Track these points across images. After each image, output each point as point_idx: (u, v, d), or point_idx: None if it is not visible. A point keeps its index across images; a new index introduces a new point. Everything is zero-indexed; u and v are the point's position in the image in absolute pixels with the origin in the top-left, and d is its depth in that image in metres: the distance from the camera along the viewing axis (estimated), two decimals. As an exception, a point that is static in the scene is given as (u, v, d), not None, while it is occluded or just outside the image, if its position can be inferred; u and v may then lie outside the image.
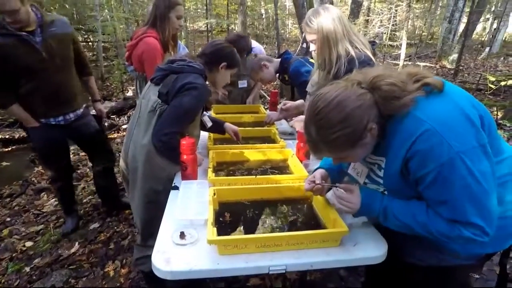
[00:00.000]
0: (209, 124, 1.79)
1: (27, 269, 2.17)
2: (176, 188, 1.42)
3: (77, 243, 2.38)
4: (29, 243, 2.45)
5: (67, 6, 10.91)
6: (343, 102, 0.83)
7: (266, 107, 5.13)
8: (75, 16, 11.98)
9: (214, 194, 1.25)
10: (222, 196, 1.29)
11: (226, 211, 1.24)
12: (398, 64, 6.78)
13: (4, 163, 4.09)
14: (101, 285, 1.99)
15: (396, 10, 7.02)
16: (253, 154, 1.72)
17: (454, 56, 9.20)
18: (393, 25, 7.29)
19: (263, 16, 15.02)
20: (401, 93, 0.85)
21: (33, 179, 3.51)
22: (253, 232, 1.12)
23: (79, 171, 3.62)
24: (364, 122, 0.83)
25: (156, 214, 1.32)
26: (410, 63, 8.31)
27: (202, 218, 1.15)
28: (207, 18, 8.58)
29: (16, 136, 4.54)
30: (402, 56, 6.55)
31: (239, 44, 2.32)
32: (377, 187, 1.02)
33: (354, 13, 6.76)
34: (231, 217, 1.21)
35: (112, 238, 2.42)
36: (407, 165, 0.87)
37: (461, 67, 8.42)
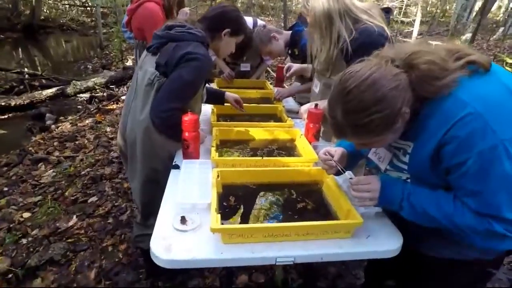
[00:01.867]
0: (204, 97, 1.64)
1: (25, 240, 2.14)
2: (177, 167, 1.33)
3: (75, 216, 2.34)
4: (26, 214, 2.41)
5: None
6: (378, 82, 0.72)
7: (271, 82, 4.95)
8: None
9: (218, 176, 1.17)
10: (226, 178, 1.20)
11: (230, 194, 1.16)
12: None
13: (1, 131, 4.00)
14: (99, 259, 1.97)
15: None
16: (259, 132, 1.61)
17: (468, 35, 8.80)
18: (408, -1, 6.89)
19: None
20: (442, 72, 0.74)
21: (30, 148, 3.43)
22: (257, 219, 1.05)
23: (77, 142, 3.53)
24: (398, 105, 0.73)
25: (156, 194, 1.25)
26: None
27: (205, 202, 1.08)
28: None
29: (13, 103, 4.42)
30: (415, 34, 6.24)
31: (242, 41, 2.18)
32: (399, 174, 0.94)
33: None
34: (236, 201, 1.13)
35: (110, 213, 2.38)
36: (439, 151, 0.78)
37: (474, 47, 8.09)
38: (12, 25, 9.97)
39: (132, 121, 1.43)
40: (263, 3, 13.67)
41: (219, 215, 0.95)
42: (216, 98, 1.77)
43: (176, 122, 1.30)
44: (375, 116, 0.73)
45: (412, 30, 6.28)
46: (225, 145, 1.54)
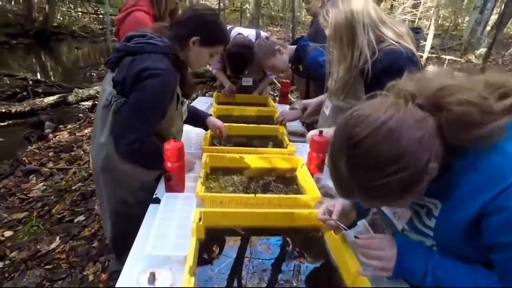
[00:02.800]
0: (185, 115, 1.42)
1: (1, 264, 1.98)
2: (157, 201, 1.15)
3: (58, 237, 2.18)
4: (8, 233, 2.26)
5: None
6: (397, 131, 0.55)
7: (276, 94, 4.79)
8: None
9: (200, 219, 0.98)
10: (211, 220, 1.02)
11: (214, 241, 0.98)
12: (421, 57, 6.27)
13: (-2, 139, 3.90)
14: (77, 291, 1.79)
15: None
16: (255, 160, 1.43)
17: (482, 50, 8.55)
18: (421, 12, 6.69)
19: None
20: (483, 116, 0.56)
21: (24, 158, 3.31)
22: (246, 275, 0.86)
23: (73, 153, 3.41)
24: (423, 162, 0.56)
25: (128, 229, 1.08)
26: (434, 55, 7.73)
27: (181, 254, 0.89)
28: (220, -5, 8.07)
29: (13, 110, 4.34)
30: (427, 48, 6.03)
31: (243, 56, 2.03)
32: (420, 238, 0.73)
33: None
34: (220, 252, 0.94)
35: (96, 235, 2.21)
36: (480, 222, 0.58)
37: (488, 63, 7.82)
38: (25, 31, 10.12)
39: (95, 145, 1.26)
40: (272, 13, 13.65)
41: (193, 278, 0.76)
42: (196, 121, 1.54)
43: (148, 150, 1.14)
44: (392, 177, 0.55)
45: (425, 44, 6.08)
46: (215, 173, 1.36)
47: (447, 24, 13.41)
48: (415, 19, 7.03)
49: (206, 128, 1.57)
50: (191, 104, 1.76)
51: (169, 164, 1.13)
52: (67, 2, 12.56)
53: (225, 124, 1.76)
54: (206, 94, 5.12)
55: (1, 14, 10.54)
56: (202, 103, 2.31)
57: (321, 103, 1.68)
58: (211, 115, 1.61)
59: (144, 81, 1.10)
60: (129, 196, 1.25)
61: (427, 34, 6.35)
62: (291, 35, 5.96)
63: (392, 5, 8.00)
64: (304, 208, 1.12)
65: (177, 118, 1.32)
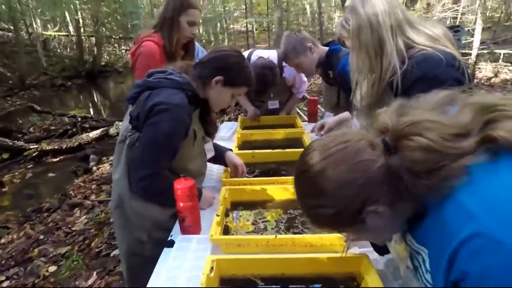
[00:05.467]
0: (210, 154, 1.35)
1: (44, 301, 2.04)
2: (171, 244, 1.06)
3: (95, 272, 2.21)
4: (52, 268, 2.35)
5: (119, 17, 11.62)
6: (326, 171, 0.57)
7: (304, 110, 4.61)
8: (128, 26, 12.74)
9: (212, 268, 0.86)
10: (225, 269, 0.89)
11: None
12: (470, 54, 5.67)
13: (50, 174, 4.24)
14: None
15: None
16: (279, 191, 1.29)
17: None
18: (463, 7, 6.13)
19: (307, 11, 14.23)
20: (440, 161, 0.51)
21: (71, 192, 3.52)
22: None
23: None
24: (356, 205, 0.56)
25: (143, 272, 1.02)
26: (486, 51, 6.98)
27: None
28: (246, 17, 8.27)
29: (64, 146, 4.72)
30: (476, 44, 5.42)
31: (264, 77, 1.87)
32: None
33: (412, -1, 5.80)
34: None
35: (130, 270, 2.20)
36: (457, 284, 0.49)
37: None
38: (77, 72, 11.27)
39: (112, 182, 1.25)
40: (301, 28, 13.62)
41: None
42: (215, 157, 1.41)
43: (159, 189, 1.11)
44: (319, 210, 0.59)
45: (472, 41, 5.50)
46: (236, 208, 1.25)
47: (497, 15, 12.22)
48: (457, 15, 6.46)
49: (226, 165, 1.46)
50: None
51: (181, 204, 1.04)
52: (112, 42, 13.82)
53: (248, 151, 1.67)
54: (232, 119, 5.12)
55: (59, 61, 11.89)
56: (227, 128, 2.24)
57: (341, 122, 1.50)
58: (231, 149, 1.50)
59: (155, 116, 1.07)
60: (142, 235, 1.20)
61: (473, 30, 5.77)
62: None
63: (428, 4, 7.49)
64: (334, 250, 0.95)
65: (195, 156, 1.26)
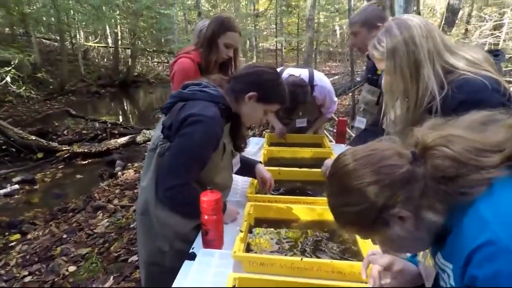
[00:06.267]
0: (236, 167, 1.36)
1: (61, 300, 2.07)
2: (193, 257, 1.05)
3: (112, 277, 2.22)
4: (72, 268, 2.39)
5: (154, 32, 12.26)
6: (354, 172, 0.61)
7: (334, 130, 4.55)
8: (162, 40, 13.41)
9: (234, 286, 0.83)
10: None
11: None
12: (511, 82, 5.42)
13: (78, 176, 4.41)
14: None
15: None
16: (305, 211, 1.25)
17: None
18: (506, 33, 5.89)
19: (337, 32, 14.35)
20: (462, 170, 0.55)
21: (95, 195, 3.62)
22: None
23: (135, 191, 3.62)
24: (379, 204, 0.58)
25: (162, 280, 1.06)
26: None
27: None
28: (276, 36, 8.45)
29: (93, 150, 4.92)
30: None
31: (295, 95, 1.84)
32: None
33: (449, 23, 5.68)
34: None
35: (146, 278, 2.19)
36: None
37: None
38: (111, 81, 11.91)
39: (140, 187, 1.27)
40: (331, 49, 13.72)
41: None
42: (245, 169, 1.43)
43: (185, 199, 1.11)
44: (346, 208, 0.62)
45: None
46: (260, 225, 1.22)
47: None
48: (498, 41, 6.21)
49: (254, 177, 1.46)
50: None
51: (206, 217, 1.03)
52: (146, 55, 14.55)
53: (274, 168, 1.65)
54: (261, 134, 5.13)
55: (95, 69, 12.65)
56: (254, 144, 2.24)
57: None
58: (261, 162, 1.50)
59: (188, 127, 1.09)
60: (164, 245, 1.19)
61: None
62: (350, 69, 5.78)
63: (467, 29, 7.27)
64: (364, 280, 0.89)
65: (222, 169, 1.26)
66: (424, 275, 0.71)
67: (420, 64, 0.97)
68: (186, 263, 1.03)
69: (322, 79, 2.20)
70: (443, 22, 5.71)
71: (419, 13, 4.70)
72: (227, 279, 0.86)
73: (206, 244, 1.07)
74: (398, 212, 0.58)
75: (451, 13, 5.74)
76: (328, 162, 1.51)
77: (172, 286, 0.94)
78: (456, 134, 0.59)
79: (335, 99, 2.33)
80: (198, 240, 1.13)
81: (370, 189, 0.59)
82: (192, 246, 1.11)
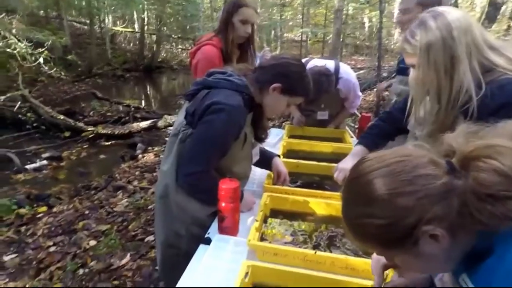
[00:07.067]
0: (255, 158, 1.36)
1: (81, 271, 2.19)
2: (208, 242, 1.07)
3: (129, 254, 2.31)
4: (92, 242, 2.51)
5: (180, 19, 12.33)
6: (383, 179, 0.53)
7: (355, 126, 4.46)
8: (187, 27, 13.48)
9: (247, 274, 0.85)
10: (260, 277, 0.87)
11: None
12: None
13: (101, 156, 4.58)
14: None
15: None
16: (322, 206, 1.24)
17: None
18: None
19: (366, 25, 13.86)
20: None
21: (116, 175, 3.76)
22: None
23: (154, 174, 3.72)
24: (410, 220, 0.51)
25: (177, 263, 1.08)
26: None
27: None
28: (302, 27, 8.28)
29: (116, 132, 5.08)
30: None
31: (319, 84, 1.81)
32: None
33: (490, 18, 5.32)
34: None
35: (161, 258, 2.27)
36: None
37: None
38: (136, 66, 12.16)
39: (159, 172, 1.30)
40: (357, 43, 13.29)
41: None
42: (262, 161, 1.43)
43: (204, 186, 1.12)
44: (367, 220, 0.54)
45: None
46: (276, 216, 1.23)
47: None
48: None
49: (271, 169, 1.46)
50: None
51: (223, 204, 1.04)
52: (170, 41, 14.71)
53: (293, 160, 1.64)
54: (280, 126, 5.10)
55: (121, 54, 12.93)
56: (274, 135, 2.22)
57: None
58: (279, 155, 1.50)
59: (211, 114, 1.09)
60: (181, 228, 1.22)
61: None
62: (377, 63, 5.60)
63: (509, 26, 6.81)
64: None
65: (242, 159, 1.27)
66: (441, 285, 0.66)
67: (456, 59, 0.89)
68: (201, 247, 1.06)
69: (348, 72, 2.15)
70: (483, 17, 5.37)
71: (456, 6, 4.44)
72: (240, 266, 0.87)
73: (222, 230, 1.09)
74: (432, 230, 0.51)
75: (493, 7, 5.37)
76: (342, 166, 1.37)
77: (187, 268, 0.97)
78: (500, 144, 0.50)
79: (360, 93, 2.27)
80: (214, 226, 1.15)
81: (402, 201, 0.51)
82: (208, 232, 1.14)
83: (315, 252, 0.94)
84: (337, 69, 2.10)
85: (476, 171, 0.49)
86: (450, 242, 0.51)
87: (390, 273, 0.84)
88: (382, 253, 0.64)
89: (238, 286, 0.80)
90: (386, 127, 1.41)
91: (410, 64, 1.02)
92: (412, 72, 1.03)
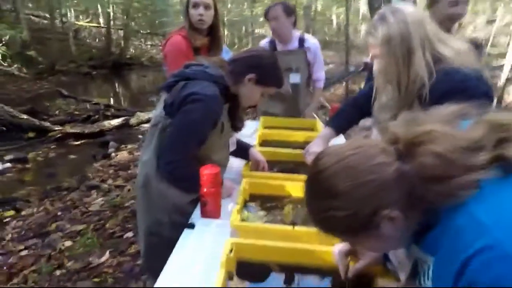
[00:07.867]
0: (232, 147, 1.43)
1: (58, 272, 2.13)
2: (192, 226, 1.12)
3: (108, 251, 2.29)
4: (68, 243, 2.45)
5: (148, 14, 11.97)
6: (341, 173, 0.57)
7: (326, 118, 4.64)
8: (156, 22, 13.10)
9: (231, 250, 0.91)
10: (243, 252, 0.94)
11: (245, 276, 0.89)
12: (493, 78, 5.56)
13: (71, 156, 4.41)
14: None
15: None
16: (298, 188, 1.32)
17: None
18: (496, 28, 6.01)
19: (333, 22, 14.27)
20: (451, 170, 0.52)
21: (89, 174, 3.65)
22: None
23: (129, 172, 3.66)
24: (371, 207, 0.56)
25: (159, 250, 1.10)
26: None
27: (208, 286, 0.82)
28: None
29: (86, 131, 4.90)
30: (507, 68, 5.30)
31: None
32: None
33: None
34: (250, 290, 0.86)
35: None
36: None
37: None
38: (103, 62, 11.68)
39: (139, 162, 1.33)
40: (327, 38, 13.66)
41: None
42: (239, 151, 1.50)
43: (183, 174, 1.17)
44: (332, 213, 0.58)
45: (503, 64, 5.39)
46: (254, 200, 1.30)
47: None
48: (489, 36, 6.32)
49: (248, 159, 1.53)
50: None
51: (205, 190, 1.10)
52: (139, 37, 14.25)
53: (269, 149, 1.71)
54: (250, 119, 5.16)
55: (87, 50, 12.36)
56: (249, 127, 2.29)
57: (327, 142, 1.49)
58: (253, 146, 1.57)
59: (189, 104, 1.14)
60: (163, 216, 1.26)
61: (505, 54, 5.66)
62: (345, 58, 5.84)
63: (460, 24, 7.35)
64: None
65: (220, 148, 1.32)
66: (400, 269, 0.75)
67: (412, 51, 1.01)
68: (186, 231, 1.11)
69: (312, 37, 2.46)
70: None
71: (415, 2, 4.72)
72: (224, 243, 0.94)
73: (204, 214, 1.14)
74: (389, 213, 0.56)
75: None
76: (312, 149, 1.45)
77: (173, 251, 1.01)
78: (437, 129, 0.56)
79: (323, 66, 2.50)
80: (196, 212, 1.20)
81: (362, 191, 0.55)
82: (191, 217, 1.18)
83: (293, 228, 1.02)
84: (301, 34, 2.39)
85: (419, 156, 0.54)
86: (404, 222, 0.56)
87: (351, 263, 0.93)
88: (347, 241, 0.69)
89: (223, 261, 0.86)
90: (351, 111, 1.54)
91: (374, 54, 1.13)
92: (375, 64, 1.15)
